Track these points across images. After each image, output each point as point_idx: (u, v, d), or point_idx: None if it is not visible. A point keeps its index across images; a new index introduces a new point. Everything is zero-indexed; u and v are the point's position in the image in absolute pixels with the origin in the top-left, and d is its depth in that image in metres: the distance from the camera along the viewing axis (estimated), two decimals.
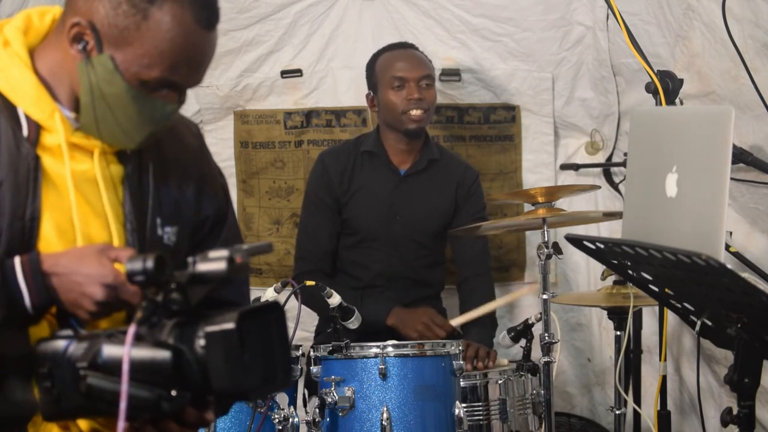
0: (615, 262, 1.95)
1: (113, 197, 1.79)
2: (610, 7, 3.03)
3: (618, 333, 3.35)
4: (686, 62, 3.36)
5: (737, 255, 3.22)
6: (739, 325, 1.76)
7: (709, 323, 1.85)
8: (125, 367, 1.47)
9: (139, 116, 1.74)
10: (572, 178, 4.14)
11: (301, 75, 4.02)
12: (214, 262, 1.53)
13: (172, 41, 1.68)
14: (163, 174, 1.87)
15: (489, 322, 3.47)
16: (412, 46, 3.63)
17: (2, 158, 1.69)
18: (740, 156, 2.99)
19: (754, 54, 3.02)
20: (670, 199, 1.81)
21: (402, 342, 2.86)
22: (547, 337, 3.01)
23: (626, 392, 3.52)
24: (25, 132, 1.71)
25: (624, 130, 3.97)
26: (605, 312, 3.48)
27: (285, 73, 4.02)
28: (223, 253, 1.53)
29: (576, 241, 1.95)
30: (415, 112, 3.46)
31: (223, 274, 1.52)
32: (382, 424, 2.70)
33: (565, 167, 4.14)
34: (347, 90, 4.04)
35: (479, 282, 3.62)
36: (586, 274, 4.13)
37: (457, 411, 2.78)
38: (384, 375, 2.73)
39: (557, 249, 3.06)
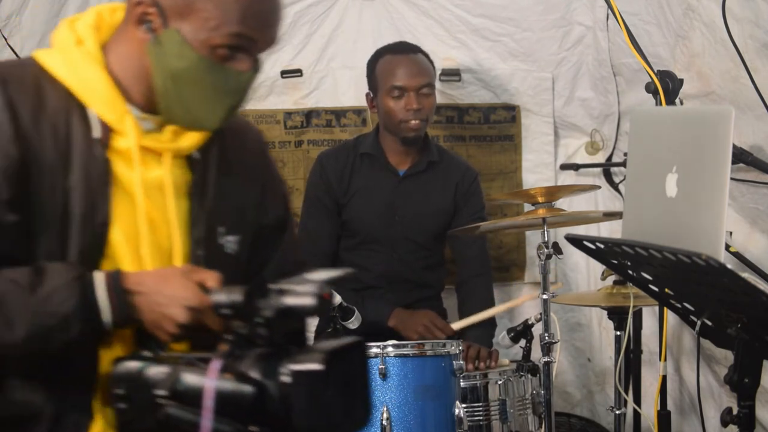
0: (615, 262, 1.95)
1: (179, 204, 1.76)
2: (610, 7, 3.02)
3: (618, 333, 3.35)
4: (686, 62, 3.36)
5: (737, 255, 3.22)
6: (739, 325, 1.76)
7: (709, 323, 1.85)
8: (208, 403, 1.44)
9: (214, 89, 1.71)
10: (572, 178, 4.14)
11: (301, 75, 4.02)
12: (303, 296, 1.49)
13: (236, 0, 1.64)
14: (227, 182, 1.83)
15: (488, 322, 3.47)
16: (413, 50, 3.58)
17: (75, 161, 1.66)
18: (740, 156, 2.98)
19: (754, 54, 3.01)
20: (670, 199, 1.81)
21: (402, 342, 2.86)
22: (547, 337, 3.01)
23: (626, 392, 3.52)
24: (96, 134, 1.68)
25: (624, 130, 3.97)
26: (605, 312, 3.47)
27: (285, 73, 4.01)
28: (311, 287, 1.49)
29: (576, 241, 1.95)
30: (414, 122, 3.45)
31: (312, 309, 1.48)
32: (382, 424, 2.70)
33: (565, 167, 4.14)
34: (347, 90, 4.04)
35: (479, 283, 3.61)
36: (586, 274, 4.13)
37: (457, 411, 2.78)
38: (384, 375, 2.73)
39: (557, 249, 3.06)
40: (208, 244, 1.78)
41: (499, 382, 2.96)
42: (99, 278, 1.61)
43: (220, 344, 1.53)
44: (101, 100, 1.68)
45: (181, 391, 1.52)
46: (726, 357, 3.36)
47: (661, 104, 2.95)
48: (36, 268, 1.60)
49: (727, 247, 3.21)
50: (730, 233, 3.32)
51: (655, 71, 2.97)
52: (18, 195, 1.61)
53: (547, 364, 3.02)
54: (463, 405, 2.81)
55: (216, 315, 1.57)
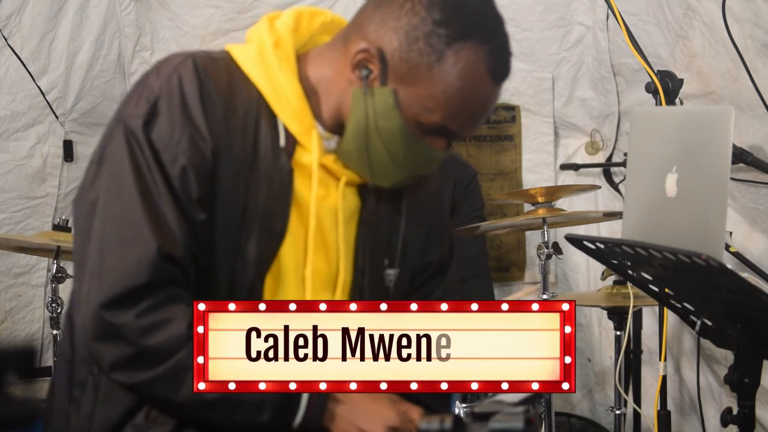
0: (615, 262, 1.95)
1: (347, 231, 1.69)
2: (610, 7, 3.02)
3: (618, 333, 3.34)
4: (686, 62, 3.36)
5: (737, 255, 3.22)
6: (739, 325, 1.76)
7: (709, 323, 1.85)
8: None
9: (405, 157, 1.64)
10: (572, 178, 4.14)
11: None
12: (511, 420, 1.42)
13: (460, 89, 1.58)
14: (396, 215, 1.76)
15: None
16: None
17: (260, 166, 1.60)
18: (740, 156, 2.98)
19: (754, 54, 3.01)
20: (670, 199, 1.80)
21: None
22: None
23: (626, 392, 3.52)
24: (282, 142, 1.62)
25: (624, 130, 3.97)
26: (605, 312, 3.47)
27: None
28: (519, 410, 1.43)
29: (576, 241, 1.94)
30: None
31: None
32: None
33: (565, 167, 4.14)
34: None
35: (479, 283, 3.61)
36: (586, 274, 4.13)
37: (457, 411, 2.77)
38: None
39: (557, 249, 3.06)
40: (371, 275, 1.72)
41: None
42: None
43: None
44: (291, 110, 1.62)
45: None
46: (726, 357, 3.36)
47: (661, 104, 2.94)
48: None
49: (727, 247, 3.20)
50: (730, 233, 3.32)
51: (655, 71, 2.97)
52: (207, 193, 1.57)
53: None
54: (463, 405, 2.80)
55: None
